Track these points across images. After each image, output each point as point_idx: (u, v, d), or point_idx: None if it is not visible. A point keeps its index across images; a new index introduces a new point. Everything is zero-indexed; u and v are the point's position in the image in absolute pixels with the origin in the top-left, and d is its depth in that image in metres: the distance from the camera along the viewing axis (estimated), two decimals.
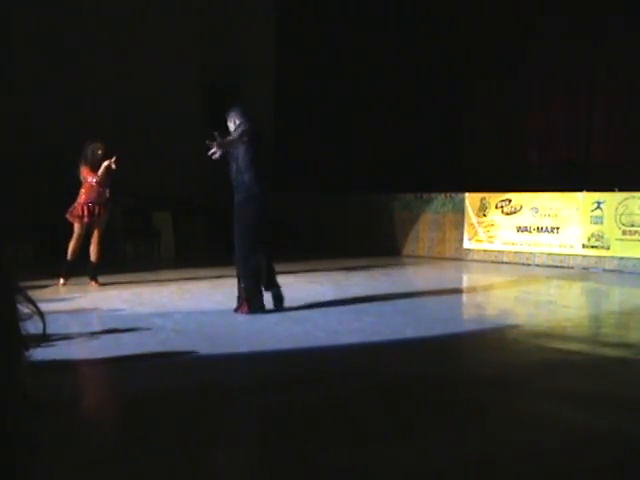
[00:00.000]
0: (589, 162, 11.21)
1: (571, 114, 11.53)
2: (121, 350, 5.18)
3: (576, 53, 11.36)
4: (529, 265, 11.02)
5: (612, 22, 10.87)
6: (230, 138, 6.29)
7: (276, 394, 4.03)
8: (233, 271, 6.69)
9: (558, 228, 10.83)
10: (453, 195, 12.17)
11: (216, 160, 6.26)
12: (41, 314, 0.84)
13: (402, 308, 6.99)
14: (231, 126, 6.46)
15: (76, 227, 8.17)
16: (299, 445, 3.18)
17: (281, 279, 6.73)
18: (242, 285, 6.44)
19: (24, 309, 0.83)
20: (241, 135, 6.27)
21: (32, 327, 0.83)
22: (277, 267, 6.67)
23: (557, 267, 10.72)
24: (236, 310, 6.45)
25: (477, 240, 11.83)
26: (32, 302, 0.83)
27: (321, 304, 7.09)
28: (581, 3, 11.15)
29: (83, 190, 8.18)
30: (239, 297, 6.50)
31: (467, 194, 11.94)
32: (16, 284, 0.83)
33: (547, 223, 10.97)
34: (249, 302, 6.40)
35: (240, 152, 6.27)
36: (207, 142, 6.09)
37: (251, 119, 6.51)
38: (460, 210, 12.04)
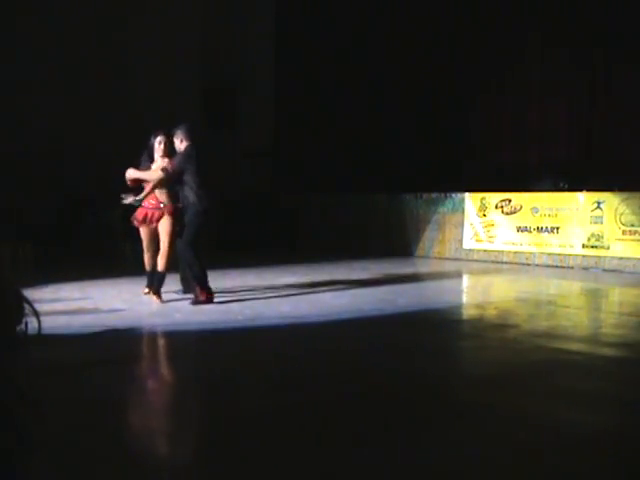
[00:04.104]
0: (589, 162, 11.20)
1: (571, 114, 11.52)
2: (121, 350, 5.18)
3: (576, 53, 11.34)
4: (529, 265, 11.01)
5: (612, 23, 10.86)
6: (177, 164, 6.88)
7: (280, 394, 4.03)
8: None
9: (558, 228, 10.82)
10: (453, 195, 12.17)
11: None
12: (36, 313, 0.83)
13: (401, 308, 6.99)
14: (177, 142, 6.98)
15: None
16: (300, 445, 3.18)
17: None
18: (192, 275, 6.91)
19: (21, 309, 0.83)
20: (184, 162, 6.83)
21: (30, 327, 0.83)
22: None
23: (557, 267, 10.71)
24: (195, 302, 6.80)
25: (477, 240, 11.82)
26: (28, 302, 0.82)
27: (319, 303, 7.11)
28: (581, 5, 11.16)
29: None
30: (193, 288, 6.97)
31: (467, 194, 11.93)
32: (12, 284, 0.83)
33: (547, 223, 10.96)
34: (202, 287, 6.81)
35: (187, 175, 6.80)
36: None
37: (194, 139, 7.02)
38: (460, 210, 12.04)
